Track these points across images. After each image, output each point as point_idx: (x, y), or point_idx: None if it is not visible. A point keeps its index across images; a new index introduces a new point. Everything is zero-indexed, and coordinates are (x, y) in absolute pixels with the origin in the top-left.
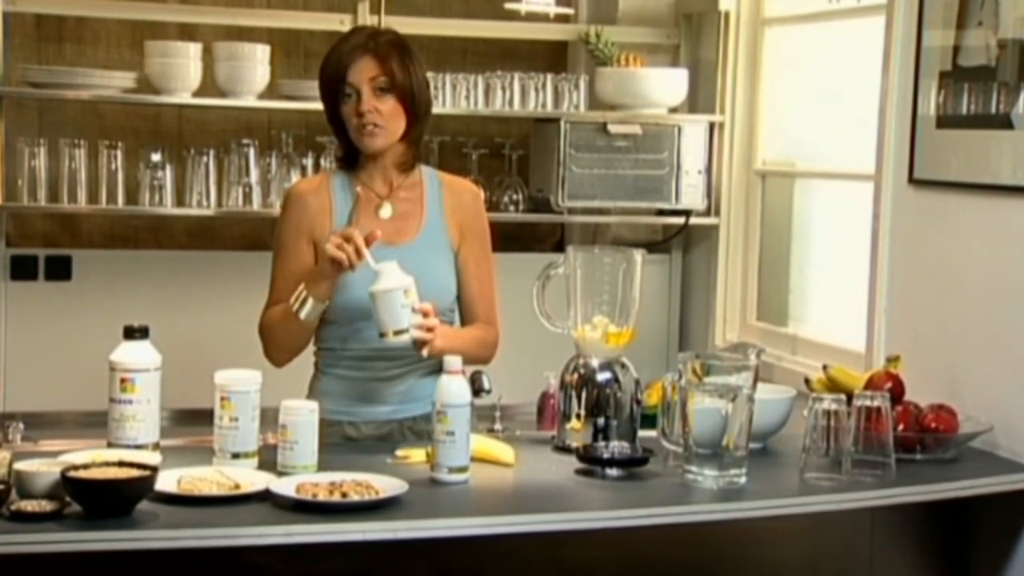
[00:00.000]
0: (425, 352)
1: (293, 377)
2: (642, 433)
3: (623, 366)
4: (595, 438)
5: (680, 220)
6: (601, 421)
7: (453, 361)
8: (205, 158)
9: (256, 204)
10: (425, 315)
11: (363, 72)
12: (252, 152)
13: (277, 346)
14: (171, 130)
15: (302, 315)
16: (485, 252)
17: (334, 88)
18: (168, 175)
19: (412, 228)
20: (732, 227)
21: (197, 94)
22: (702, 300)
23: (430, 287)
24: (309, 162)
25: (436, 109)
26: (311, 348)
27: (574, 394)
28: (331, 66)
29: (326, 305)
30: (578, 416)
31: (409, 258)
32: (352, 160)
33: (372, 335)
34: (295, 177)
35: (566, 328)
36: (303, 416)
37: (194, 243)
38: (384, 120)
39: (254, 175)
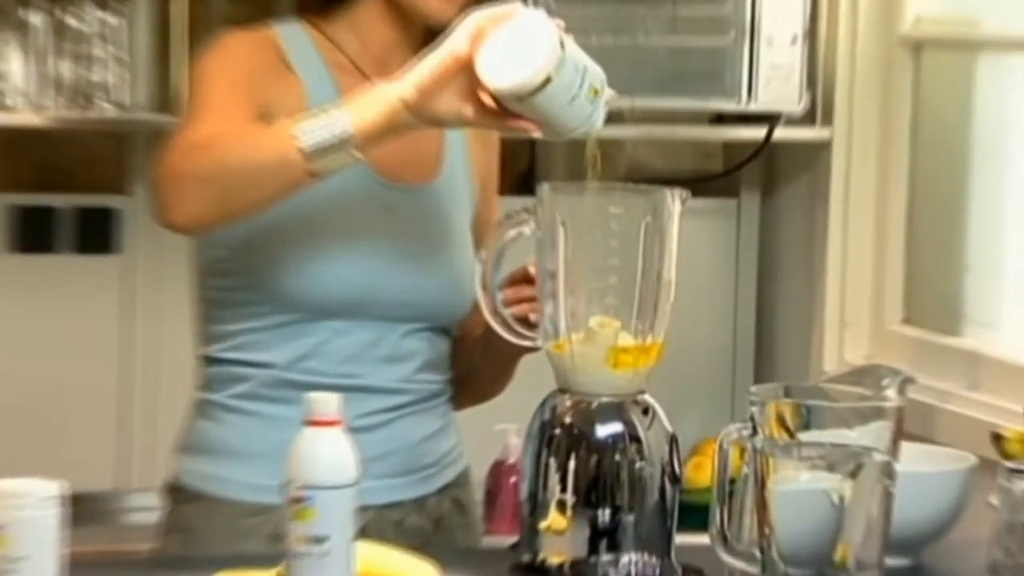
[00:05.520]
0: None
1: None
2: (682, 538)
3: (646, 411)
4: (593, 548)
5: (757, 134)
6: (605, 515)
7: (325, 401)
8: None
9: None
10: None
11: None
12: None
13: (216, 181)
14: None
15: (316, 151)
16: (496, 213)
17: None
18: None
19: (429, 161)
20: (856, 149)
21: None
22: (799, 286)
23: None
24: None
25: None
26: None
27: (553, 464)
28: None
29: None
30: (561, 506)
31: (430, 208)
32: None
33: (356, 339)
34: None
35: (537, 339)
36: (33, 510)
37: None
38: None
39: None
